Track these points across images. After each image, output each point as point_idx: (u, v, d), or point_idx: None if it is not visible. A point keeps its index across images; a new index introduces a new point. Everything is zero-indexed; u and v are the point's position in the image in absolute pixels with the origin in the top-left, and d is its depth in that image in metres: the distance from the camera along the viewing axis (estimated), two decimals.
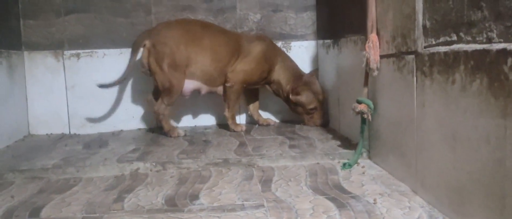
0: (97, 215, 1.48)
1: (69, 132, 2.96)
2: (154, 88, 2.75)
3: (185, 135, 2.67)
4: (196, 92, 2.76)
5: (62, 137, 2.82)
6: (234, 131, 2.75)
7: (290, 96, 2.81)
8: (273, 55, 2.83)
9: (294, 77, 2.83)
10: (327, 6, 2.84)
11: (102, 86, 2.71)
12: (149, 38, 2.62)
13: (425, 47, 1.46)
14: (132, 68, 2.70)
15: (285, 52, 2.99)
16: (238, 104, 2.87)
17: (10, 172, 1.96)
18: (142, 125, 3.01)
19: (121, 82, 2.78)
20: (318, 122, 2.81)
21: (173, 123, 2.88)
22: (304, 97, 2.78)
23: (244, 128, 2.78)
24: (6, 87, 2.62)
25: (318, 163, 2.02)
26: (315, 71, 2.89)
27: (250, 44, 2.78)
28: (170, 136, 2.64)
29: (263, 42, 2.81)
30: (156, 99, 2.71)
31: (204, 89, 2.76)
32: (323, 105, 2.80)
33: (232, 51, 2.73)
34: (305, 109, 2.81)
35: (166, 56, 2.59)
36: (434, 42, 1.40)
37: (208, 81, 2.72)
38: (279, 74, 2.84)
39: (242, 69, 2.73)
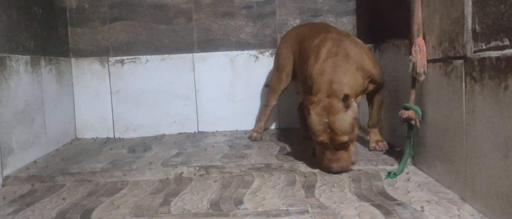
0: (145, 218, 1.52)
1: (114, 136, 3.05)
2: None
3: (261, 139, 2.66)
4: None
5: (107, 141, 2.91)
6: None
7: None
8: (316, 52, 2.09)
9: (322, 89, 1.90)
10: (368, 11, 2.82)
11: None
12: None
13: (474, 52, 1.42)
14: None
15: (349, 50, 2.04)
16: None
17: (61, 175, 2.03)
18: (183, 130, 3.07)
19: None
20: (323, 164, 1.91)
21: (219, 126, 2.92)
22: (309, 119, 1.88)
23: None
24: (55, 93, 2.73)
25: (360, 169, 2.00)
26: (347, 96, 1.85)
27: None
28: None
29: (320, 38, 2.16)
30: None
31: None
32: (343, 145, 1.86)
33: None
34: (313, 138, 1.92)
35: (276, 56, 2.72)
36: (484, 47, 1.37)
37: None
38: (314, 80, 1.99)
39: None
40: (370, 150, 2.21)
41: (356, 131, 1.93)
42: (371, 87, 2.12)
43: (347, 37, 2.16)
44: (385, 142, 2.23)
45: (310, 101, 1.87)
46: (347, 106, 1.85)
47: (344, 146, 1.87)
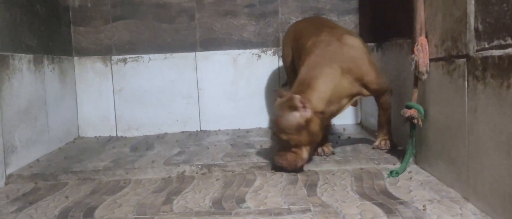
0: (148, 216, 1.52)
1: (116, 134, 3.05)
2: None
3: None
4: None
5: (109, 139, 2.91)
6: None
7: None
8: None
9: (292, 90, 1.97)
10: (370, 9, 2.82)
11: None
12: None
13: (477, 51, 1.42)
14: None
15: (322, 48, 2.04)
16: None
17: (64, 173, 2.04)
18: (185, 128, 3.07)
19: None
20: (276, 158, 1.96)
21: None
22: (280, 117, 1.91)
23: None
24: (58, 91, 2.73)
25: (362, 168, 2.00)
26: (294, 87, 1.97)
27: None
28: None
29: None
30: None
31: None
32: (284, 142, 1.90)
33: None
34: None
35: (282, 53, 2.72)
36: (487, 46, 1.37)
37: None
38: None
39: None
40: (372, 148, 2.21)
41: (310, 137, 1.89)
42: (365, 91, 2.07)
43: (340, 38, 2.07)
44: (388, 141, 2.22)
45: (278, 95, 1.95)
46: (293, 108, 1.85)
47: (287, 145, 1.89)
